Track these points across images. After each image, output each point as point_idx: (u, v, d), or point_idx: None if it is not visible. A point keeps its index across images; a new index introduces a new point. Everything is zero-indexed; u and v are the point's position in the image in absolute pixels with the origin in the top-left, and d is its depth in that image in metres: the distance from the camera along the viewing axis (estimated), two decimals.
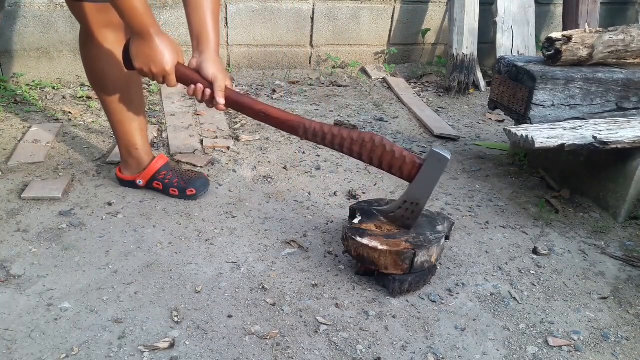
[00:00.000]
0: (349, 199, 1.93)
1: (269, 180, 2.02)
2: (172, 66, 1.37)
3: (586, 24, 2.87)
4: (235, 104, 1.42)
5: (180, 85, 1.45)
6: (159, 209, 1.78)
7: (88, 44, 1.63)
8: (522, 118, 2.00)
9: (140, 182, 1.85)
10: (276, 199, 1.90)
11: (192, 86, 1.39)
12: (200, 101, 1.42)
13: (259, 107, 1.42)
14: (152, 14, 1.35)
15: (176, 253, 1.57)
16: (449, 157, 1.33)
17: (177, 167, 1.96)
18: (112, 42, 1.62)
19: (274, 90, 3.01)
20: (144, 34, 1.34)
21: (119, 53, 1.64)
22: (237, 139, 2.35)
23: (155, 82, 1.43)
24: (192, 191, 1.83)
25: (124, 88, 1.71)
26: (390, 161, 1.38)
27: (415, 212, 1.43)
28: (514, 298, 1.49)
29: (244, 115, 2.62)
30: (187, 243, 1.62)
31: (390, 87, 3.18)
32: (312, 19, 3.20)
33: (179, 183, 1.83)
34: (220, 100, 1.39)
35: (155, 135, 2.32)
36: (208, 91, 1.39)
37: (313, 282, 1.49)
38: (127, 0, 1.29)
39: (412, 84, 3.29)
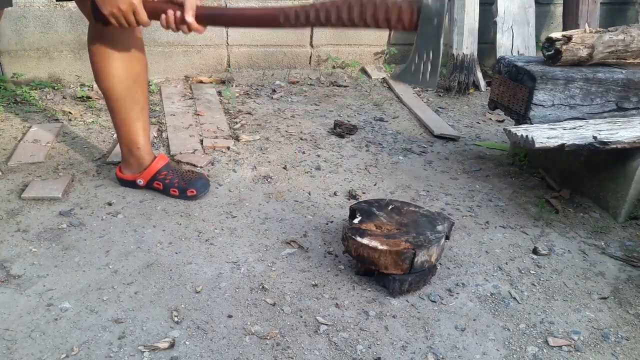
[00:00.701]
0: (349, 199, 1.93)
1: (269, 180, 2.02)
2: (139, 0, 1.34)
3: (586, 24, 2.87)
4: (208, 17, 1.36)
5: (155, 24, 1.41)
6: (159, 209, 1.78)
7: (97, 42, 1.63)
8: (522, 118, 2.00)
9: (141, 181, 1.85)
10: (276, 199, 1.90)
11: (163, 15, 1.35)
12: (175, 29, 1.37)
13: (233, 12, 1.37)
14: None
15: (176, 253, 1.57)
16: None
17: (178, 167, 1.96)
18: (121, 41, 1.62)
19: (274, 90, 3.01)
20: None
21: (127, 53, 1.66)
22: (237, 139, 2.35)
23: (128, 24, 1.40)
24: (192, 192, 1.83)
25: (130, 88, 1.71)
26: (385, 15, 1.25)
27: (433, 63, 1.26)
28: (514, 298, 1.49)
29: (244, 116, 2.62)
30: (187, 243, 1.62)
31: (390, 87, 3.18)
32: None
33: (180, 183, 1.83)
34: (189, 18, 1.33)
35: (155, 135, 2.32)
36: (179, 13, 1.34)
37: (313, 282, 1.49)
38: None
39: (412, 84, 3.29)
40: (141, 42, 1.72)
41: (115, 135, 2.26)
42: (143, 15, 1.37)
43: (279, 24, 1.33)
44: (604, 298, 1.52)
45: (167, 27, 1.37)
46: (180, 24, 1.36)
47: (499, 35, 3.20)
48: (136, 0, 1.34)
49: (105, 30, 1.57)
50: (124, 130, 1.79)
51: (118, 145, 2.14)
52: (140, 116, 1.77)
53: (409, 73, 1.30)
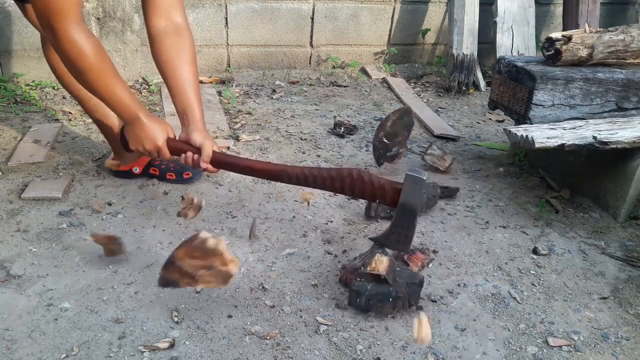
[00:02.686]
0: (349, 199, 1.93)
1: (269, 180, 2.02)
2: (163, 141, 1.47)
3: (586, 24, 2.87)
4: (222, 164, 1.51)
5: None
6: (159, 209, 1.78)
7: (52, 49, 1.64)
8: (522, 118, 2.00)
9: (137, 169, 1.88)
10: (276, 199, 1.90)
11: (183, 155, 1.48)
12: (193, 167, 1.51)
13: (244, 163, 1.51)
14: (137, 99, 1.45)
15: None
16: (425, 178, 1.37)
17: None
18: None
19: (274, 90, 3.01)
20: (133, 119, 1.43)
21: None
22: (237, 139, 2.35)
23: (151, 157, 1.55)
24: (188, 174, 1.89)
25: None
26: (371, 191, 1.43)
27: (407, 235, 1.45)
28: (514, 298, 1.49)
29: (244, 116, 2.62)
30: None
31: (390, 87, 3.18)
32: (312, 19, 3.20)
33: (176, 167, 1.89)
34: (204, 165, 1.47)
35: None
36: (197, 156, 1.48)
37: (313, 282, 1.49)
38: (113, 94, 1.38)
39: (412, 84, 3.29)
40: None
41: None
42: (167, 154, 1.49)
43: (282, 181, 1.49)
44: (604, 298, 1.52)
45: (186, 163, 1.50)
46: (196, 166, 1.49)
47: (499, 35, 3.20)
48: (161, 143, 1.46)
49: None
50: (107, 125, 1.83)
51: None
52: None
53: (387, 239, 1.46)
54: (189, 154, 1.48)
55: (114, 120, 1.81)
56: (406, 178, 1.38)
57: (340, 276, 1.48)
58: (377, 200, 1.45)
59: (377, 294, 1.35)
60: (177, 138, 1.52)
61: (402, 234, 1.45)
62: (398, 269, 1.44)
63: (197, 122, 1.50)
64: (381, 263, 1.37)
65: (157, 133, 1.45)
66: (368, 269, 1.36)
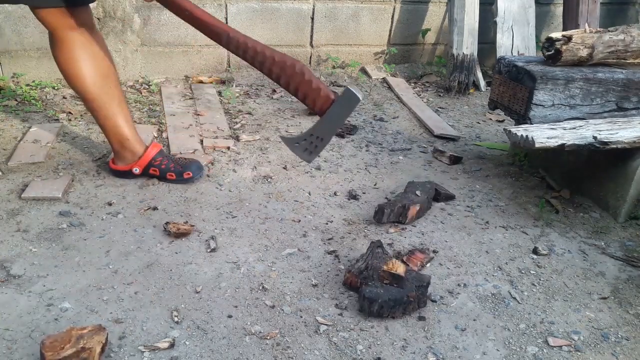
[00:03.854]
0: (349, 199, 1.93)
1: (269, 180, 2.02)
2: None
3: (586, 24, 2.87)
4: None
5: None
6: (159, 209, 1.78)
7: (59, 48, 1.68)
8: (522, 118, 2.00)
9: (137, 170, 1.88)
10: (276, 199, 1.90)
11: None
12: None
13: (185, 4, 1.38)
14: None
15: (176, 253, 1.57)
16: (361, 98, 1.35)
17: (171, 154, 2.00)
18: (82, 43, 1.68)
19: (274, 90, 3.01)
20: None
21: (91, 52, 1.70)
22: (237, 139, 2.35)
23: None
24: (188, 174, 1.89)
25: (103, 84, 1.75)
26: (305, 91, 1.38)
27: (318, 146, 1.43)
28: (514, 298, 1.49)
29: (244, 116, 2.62)
30: (187, 243, 1.62)
31: (390, 87, 3.18)
32: (312, 19, 3.20)
33: (176, 167, 1.89)
34: None
35: (155, 135, 2.32)
36: None
37: (313, 282, 1.49)
38: None
39: (412, 84, 3.29)
40: (101, 37, 1.77)
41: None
42: None
43: (220, 42, 1.39)
44: (604, 298, 1.52)
45: None
46: None
47: (499, 35, 3.20)
48: None
49: (64, 35, 1.64)
50: (109, 125, 1.83)
51: None
52: (120, 110, 1.82)
53: (297, 144, 1.46)
54: None
55: (116, 121, 1.82)
56: (344, 91, 1.36)
57: (345, 279, 1.47)
58: (307, 102, 1.40)
59: (389, 299, 1.33)
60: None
61: (313, 144, 1.43)
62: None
63: None
64: (399, 266, 1.37)
65: None
66: (385, 268, 1.36)
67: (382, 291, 1.35)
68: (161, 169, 1.89)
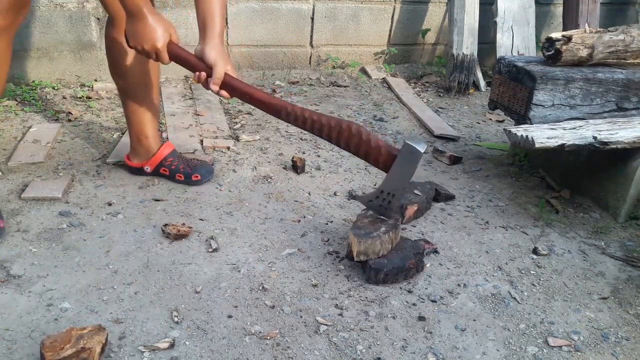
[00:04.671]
0: (349, 199, 1.93)
1: (268, 180, 2.02)
2: (163, 43, 1.41)
3: (586, 24, 2.87)
4: (231, 89, 1.47)
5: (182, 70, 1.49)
6: (159, 209, 1.78)
7: (115, 39, 1.68)
8: (522, 118, 2.00)
9: (148, 168, 1.91)
10: (276, 199, 1.90)
11: (196, 73, 1.45)
12: (204, 87, 1.48)
13: (246, 89, 1.47)
14: None
15: (176, 253, 1.57)
16: (422, 151, 1.35)
17: (183, 155, 2.02)
18: None
19: (274, 90, 3.01)
20: (136, 12, 1.37)
21: None
22: (237, 139, 2.35)
23: (149, 58, 1.49)
24: (197, 177, 1.90)
25: (143, 82, 1.78)
26: (366, 150, 1.41)
27: (391, 202, 1.47)
28: (514, 298, 1.49)
29: (244, 116, 2.62)
30: (187, 243, 1.62)
31: (390, 87, 3.18)
32: (312, 19, 3.20)
33: (185, 169, 1.90)
34: (214, 88, 1.44)
35: None
36: (203, 74, 1.44)
37: (313, 282, 1.49)
38: None
39: (412, 84, 3.29)
40: None
41: (115, 135, 2.26)
42: (165, 58, 1.45)
43: (280, 117, 1.47)
44: (604, 298, 1.52)
45: (199, 82, 1.47)
46: (206, 87, 1.46)
47: (499, 35, 3.20)
48: (160, 45, 1.41)
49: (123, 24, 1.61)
50: (135, 120, 1.85)
51: (118, 145, 2.15)
52: (151, 108, 1.85)
53: (371, 202, 1.51)
54: (200, 73, 1.42)
55: (143, 118, 1.84)
56: (403, 146, 1.37)
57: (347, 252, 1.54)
58: (370, 161, 1.43)
59: (393, 268, 1.47)
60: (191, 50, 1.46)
61: (386, 201, 1.47)
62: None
63: (215, 37, 1.42)
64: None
65: (158, 33, 1.39)
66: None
67: (385, 261, 1.47)
68: (171, 170, 1.90)
